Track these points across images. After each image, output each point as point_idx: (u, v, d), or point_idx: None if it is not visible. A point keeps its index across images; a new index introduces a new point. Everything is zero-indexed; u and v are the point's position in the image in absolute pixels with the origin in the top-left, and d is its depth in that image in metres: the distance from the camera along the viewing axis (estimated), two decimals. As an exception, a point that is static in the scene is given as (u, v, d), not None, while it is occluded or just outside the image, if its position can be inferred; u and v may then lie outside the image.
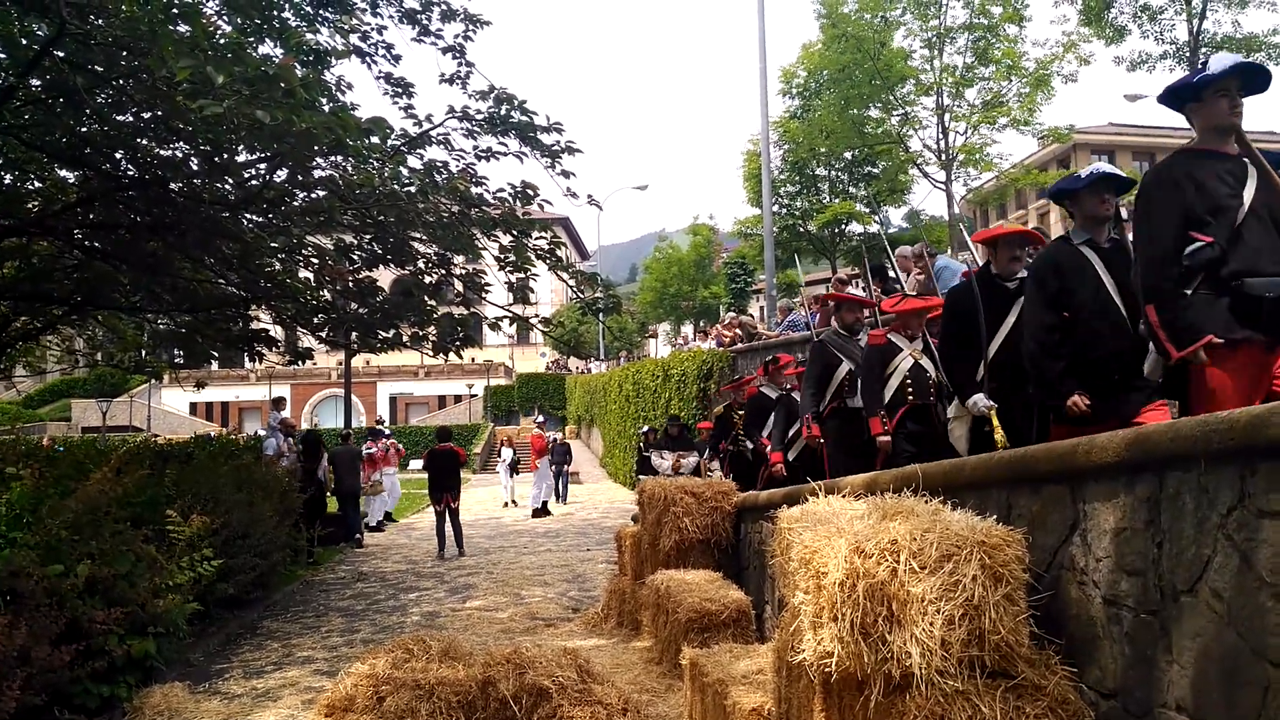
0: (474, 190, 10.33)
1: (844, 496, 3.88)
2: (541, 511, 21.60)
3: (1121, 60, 27.21)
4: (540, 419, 25.84)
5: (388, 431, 24.96)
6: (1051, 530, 3.31)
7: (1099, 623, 3.00)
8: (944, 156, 31.53)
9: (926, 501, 3.40)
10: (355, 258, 11.72)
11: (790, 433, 8.28)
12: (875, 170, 35.04)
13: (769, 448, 8.62)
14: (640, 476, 13.05)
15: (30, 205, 11.33)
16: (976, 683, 2.86)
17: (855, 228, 36.34)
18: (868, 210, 33.94)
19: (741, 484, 9.31)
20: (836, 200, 35.09)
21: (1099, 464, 2.98)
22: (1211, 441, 2.48)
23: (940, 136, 31.53)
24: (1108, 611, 2.96)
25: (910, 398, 6.44)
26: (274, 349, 14.26)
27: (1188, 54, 25.70)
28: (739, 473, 9.86)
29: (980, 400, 5.27)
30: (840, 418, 7.25)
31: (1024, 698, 2.87)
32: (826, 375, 7.34)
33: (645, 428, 18.23)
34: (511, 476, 25.64)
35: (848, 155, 34.83)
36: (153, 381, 43.28)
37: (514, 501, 24.64)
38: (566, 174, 10.25)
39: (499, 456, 26.35)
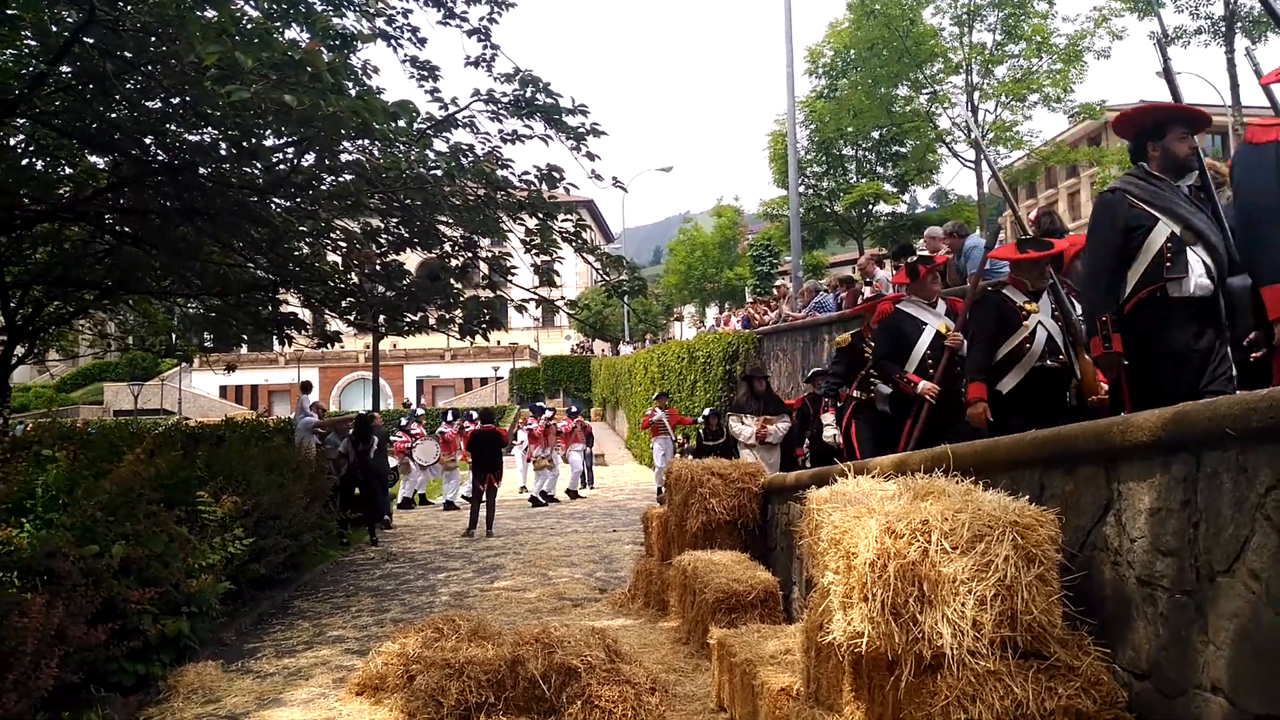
0: (500, 173, 10.33)
1: (873, 477, 3.86)
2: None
3: (1155, 35, 26.81)
4: (657, 395, 22.40)
5: (575, 409, 24.83)
6: (1085, 510, 3.27)
7: (1133, 603, 2.97)
8: (973, 135, 31.21)
9: (958, 482, 3.38)
10: (382, 241, 11.78)
11: (1000, 354, 5.43)
12: (903, 149, 34.74)
13: (965, 379, 5.67)
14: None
15: (61, 191, 11.44)
16: (1009, 663, 2.86)
17: (883, 208, 36.09)
18: (895, 190, 33.74)
19: (875, 445, 7.06)
20: (863, 180, 34.85)
21: (1134, 443, 2.94)
22: (1251, 420, 2.44)
23: (970, 114, 31.22)
24: (1142, 592, 2.93)
25: None
26: (302, 332, 14.38)
27: (1223, 29, 25.26)
28: (870, 431, 7.33)
29: None
30: (1160, 312, 4.21)
31: (1056, 678, 2.85)
32: (1131, 245, 4.29)
33: (707, 410, 15.77)
34: (529, 460, 22.32)
35: (875, 135, 34.58)
36: (183, 365, 43.87)
37: (524, 488, 22.17)
38: (591, 156, 10.23)
39: (514, 439, 23.51)
